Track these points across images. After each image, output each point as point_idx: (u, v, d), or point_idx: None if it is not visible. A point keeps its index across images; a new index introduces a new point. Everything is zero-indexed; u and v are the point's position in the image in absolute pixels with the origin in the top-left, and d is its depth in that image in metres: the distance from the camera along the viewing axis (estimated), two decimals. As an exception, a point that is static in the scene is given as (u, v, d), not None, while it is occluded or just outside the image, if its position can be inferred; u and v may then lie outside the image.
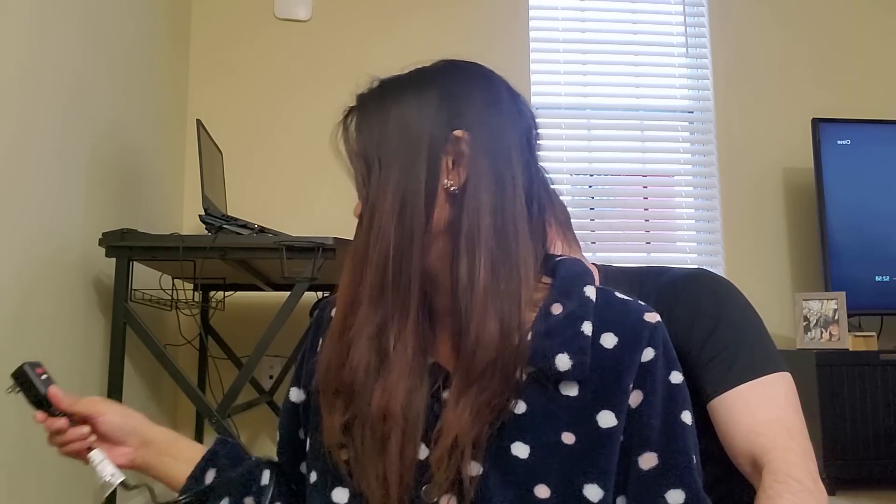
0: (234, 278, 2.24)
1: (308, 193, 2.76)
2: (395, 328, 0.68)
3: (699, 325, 0.97)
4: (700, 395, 0.93)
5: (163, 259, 1.82)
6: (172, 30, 2.62)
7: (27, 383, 0.81)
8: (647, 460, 0.69)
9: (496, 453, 0.68)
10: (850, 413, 2.43)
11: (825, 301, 2.63)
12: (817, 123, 2.82)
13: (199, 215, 1.92)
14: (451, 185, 0.69)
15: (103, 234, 1.77)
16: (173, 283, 2.08)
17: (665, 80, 3.10)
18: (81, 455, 0.81)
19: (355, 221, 0.74)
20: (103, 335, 1.88)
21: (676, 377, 0.71)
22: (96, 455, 0.80)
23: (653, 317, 0.72)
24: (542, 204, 0.73)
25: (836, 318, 2.60)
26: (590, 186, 3.06)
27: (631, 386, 0.69)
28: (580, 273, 0.74)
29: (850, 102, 3.04)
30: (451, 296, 0.69)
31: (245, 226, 1.88)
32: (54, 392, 0.81)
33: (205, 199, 2.00)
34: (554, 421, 0.68)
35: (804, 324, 2.66)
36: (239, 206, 2.51)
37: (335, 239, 1.77)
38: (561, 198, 1.17)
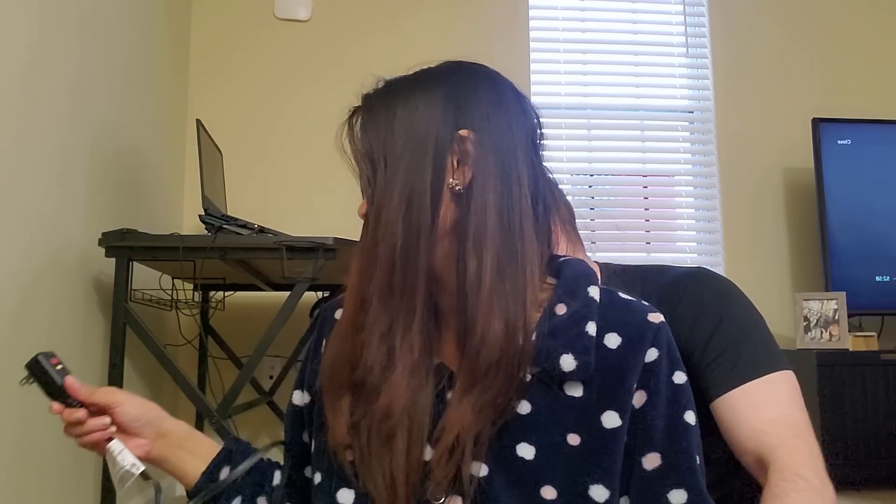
0: (234, 278, 2.24)
1: (308, 193, 2.76)
2: (401, 327, 0.69)
3: (702, 325, 0.97)
4: (703, 394, 0.93)
5: (163, 259, 1.81)
6: (172, 30, 2.61)
7: (42, 374, 0.79)
8: (651, 461, 0.69)
9: (501, 454, 0.68)
10: (850, 413, 2.43)
11: (825, 301, 2.63)
12: (817, 123, 2.82)
13: (199, 215, 1.92)
14: (457, 185, 0.69)
15: (103, 234, 1.77)
16: (173, 283, 2.08)
17: (665, 79, 3.10)
18: (100, 446, 0.79)
19: (356, 221, 0.74)
20: (103, 335, 1.88)
21: (680, 377, 0.71)
22: (116, 445, 0.79)
23: (656, 317, 0.72)
24: (547, 204, 0.73)
25: (837, 318, 2.60)
26: (590, 186, 3.06)
27: (635, 386, 0.69)
28: (584, 273, 0.74)
29: (850, 102, 3.04)
30: (456, 295, 0.69)
31: (245, 226, 1.88)
32: (71, 382, 0.79)
33: (205, 199, 2.00)
34: (559, 421, 0.68)
35: (804, 324, 2.66)
36: (239, 206, 2.51)
37: (335, 239, 1.77)
38: (568, 198, 1.17)
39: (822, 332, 2.62)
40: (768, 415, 0.89)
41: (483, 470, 0.67)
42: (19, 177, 1.50)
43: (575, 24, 3.10)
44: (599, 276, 1.05)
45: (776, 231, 2.99)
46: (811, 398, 2.42)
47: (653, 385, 0.70)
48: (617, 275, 1.09)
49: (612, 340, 0.70)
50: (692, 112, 3.09)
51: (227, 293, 2.45)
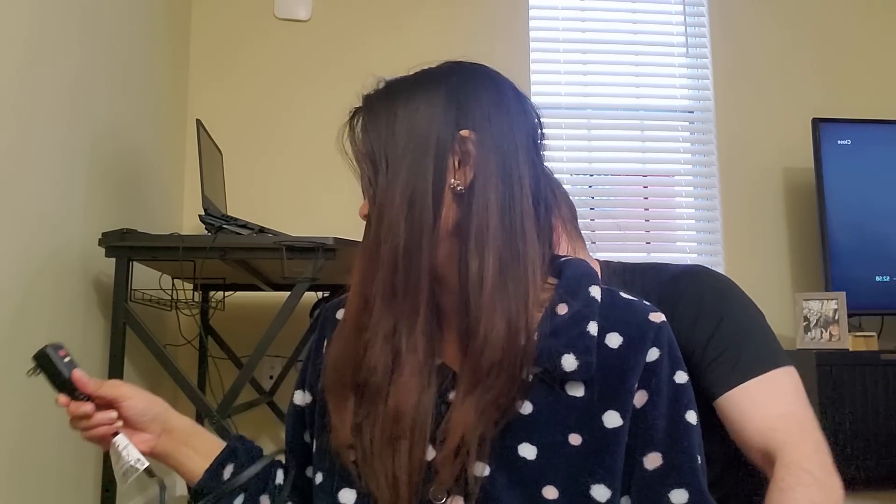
0: (234, 278, 2.24)
1: (308, 193, 2.76)
2: (406, 328, 0.69)
3: (702, 325, 0.97)
4: (705, 393, 0.94)
5: (163, 259, 1.81)
6: (172, 30, 2.61)
7: (50, 366, 0.78)
8: (652, 460, 0.69)
9: (503, 454, 0.68)
10: (850, 413, 2.43)
11: (825, 301, 2.63)
12: (817, 123, 2.82)
13: (199, 215, 1.92)
14: (458, 185, 0.69)
15: (103, 234, 1.77)
16: (173, 283, 2.07)
17: (665, 79, 3.10)
18: (106, 440, 0.78)
19: (356, 221, 0.74)
20: (103, 335, 1.88)
21: (681, 377, 0.71)
22: (121, 440, 0.78)
23: (658, 317, 0.72)
24: (548, 204, 0.73)
25: (837, 318, 2.60)
26: (590, 186, 3.06)
27: (636, 386, 0.69)
28: (585, 273, 0.74)
29: (850, 102, 3.04)
30: (458, 295, 0.69)
31: (245, 226, 1.88)
32: (79, 375, 0.78)
33: (205, 199, 2.00)
34: (560, 421, 0.68)
35: (804, 324, 2.66)
36: (239, 206, 2.51)
37: (335, 239, 1.77)
38: (572, 198, 1.17)
39: (822, 332, 2.62)
40: (774, 411, 0.90)
41: (485, 470, 0.67)
42: (19, 177, 1.50)
43: (575, 24, 3.10)
44: (600, 275, 1.05)
45: (776, 231, 2.99)
46: (811, 398, 2.39)
47: (654, 385, 0.70)
48: (617, 273, 1.10)
49: (614, 340, 0.70)
50: (692, 112, 3.09)
51: (227, 293, 2.45)
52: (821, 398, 2.42)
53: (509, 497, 0.66)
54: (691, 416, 0.70)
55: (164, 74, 2.52)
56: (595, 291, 0.72)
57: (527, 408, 0.69)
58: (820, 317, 2.63)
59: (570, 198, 1.15)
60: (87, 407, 0.77)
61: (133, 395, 0.79)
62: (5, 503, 1.42)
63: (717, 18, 3.09)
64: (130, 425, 0.80)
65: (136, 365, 2.12)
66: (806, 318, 2.66)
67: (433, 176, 0.68)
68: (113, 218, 1.97)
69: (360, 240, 0.73)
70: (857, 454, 2.41)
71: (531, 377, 0.69)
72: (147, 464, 0.78)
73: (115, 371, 1.75)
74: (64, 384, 0.78)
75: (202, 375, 2.50)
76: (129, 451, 0.77)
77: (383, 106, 0.72)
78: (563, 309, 0.71)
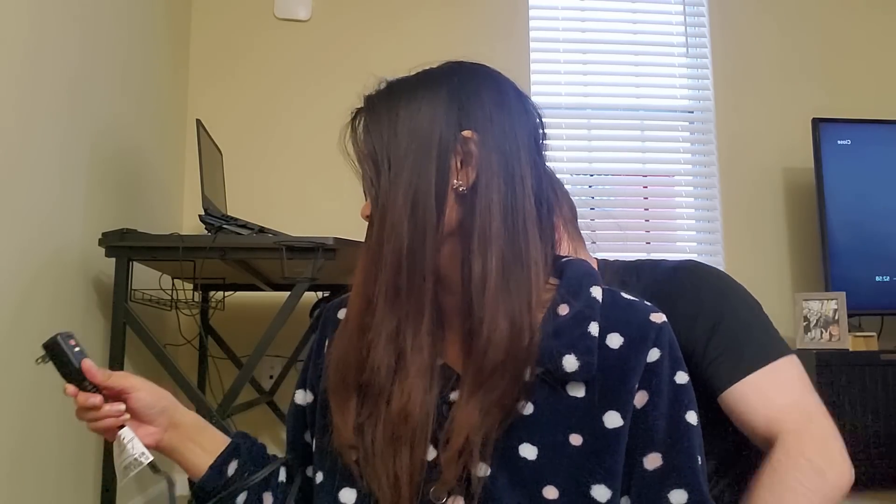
0: (234, 278, 2.23)
1: (308, 193, 2.76)
2: (410, 329, 0.69)
3: (703, 322, 0.97)
4: (708, 389, 0.94)
5: (163, 259, 1.81)
6: (172, 30, 2.61)
7: (60, 355, 0.76)
8: (652, 461, 0.69)
9: (504, 454, 0.68)
10: (850, 413, 2.43)
11: (825, 301, 2.63)
12: (817, 123, 2.82)
13: (199, 215, 1.92)
14: (461, 186, 0.69)
15: (103, 234, 1.77)
16: (173, 283, 2.07)
17: (665, 80, 3.10)
18: (111, 432, 0.78)
19: (356, 221, 0.74)
20: (103, 335, 1.88)
21: (682, 377, 0.72)
22: (127, 432, 0.77)
23: (658, 317, 0.72)
24: (550, 204, 0.73)
25: (837, 318, 2.60)
26: (590, 186, 3.06)
27: (636, 386, 0.69)
28: (587, 273, 0.74)
29: (850, 102, 3.04)
30: (460, 296, 0.69)
31: (245, 226, 1.88)
32: (88, 365, 0.77)
33: (205, 199, 2.00)
34: (561, 422, 0.68)
35: (804, 324, 2.66)
36: (239, 206, 2.51)
37: (335, 239, 1.77)
38: (573, 198, 1.17)
39: (821, 332, 2.62)
40: (779, 401, 0.90)
41: (486, 470, 0.68)
42: (19, 177, 1.50)
43: (575, 24, 3.10)
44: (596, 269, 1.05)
45: (776, 231, 2.99)
46: (811, 398, 2.42)
47: (654, 385, 0.70)
48: (614, 272, 1.10)
49: (615, 340, 0.70)
50: (692, 112, 3.09)
51: (227, 293, 2.45)
52: (821, 398, 2.42)
53: (510, 497, 0.67)
54: (691, 417, 0.71)
55: (164, 74, 2.52)
56: (596, 292, 0.73)
57: (528, 408, 0.69)
58: (820, 317, 2.63)
59: (571, 197, 1.15)
60: (96, 399, 0.76)
61: (142, 387, 0.79)
62: (5, 503, 1.42)
63: (717, 18, 3.09)
64: (137, 418, 0.79)
65: (136, 365, 2.11)
66: (806, 318, 2.66)
67: (436, 176, 0.68)
68: (113, 218, 1.97)
69: (360, 240, 0.73)
70: (856, 454, 2.40)
71: (533, 377, 0.69)
72: (151, 458, 0.77)
73: (115, 371, 1.75)
74: (73, 374, 0.77)
75: (202, 375, 2.50)
76: (134, 444, 0.76)
77: (385, 106, 0.72)
78: (564, 309, 0.71)
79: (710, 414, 0.93)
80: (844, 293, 2.62)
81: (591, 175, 3.06)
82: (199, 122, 2.14)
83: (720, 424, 0.94)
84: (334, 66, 2.84)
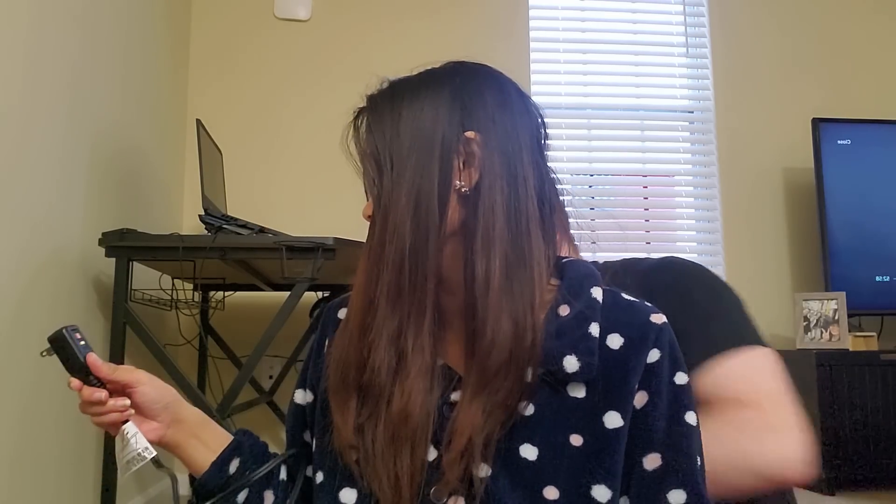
0: (234, 278, 2.24)
1: (308, 193, 2.76)
2: (412, 329, 0.69)
3: (676, 313, 0.95)
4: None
5: (163, 259, 1.81)
6: (172, 30, 2.61)
7: (66, 348, 0.76)
8: (652, 461, 0.69)
9: (505, 455, 0.68)
10: (849, 413, 2.43)
11: (825, 301, 2.63)
12: (817, 123, 2.82)
13: (199, 215, 1.92)
14: (463, 187, 0.69)
15: (103, 233, 1.77)
16: (173, 283, 2.07)
17: (665, 80, 3.10)
18: (115, 427, 0.77)
19: (357, 221, 0.74)
20: (103, 335, 1.88)
21: (682, 378, 0.71)
22: (130, 427, 0.76)
23: (659, 318, 0.72)
24: (552, 205, 0.73)
25: (837, 318, 2.60)
26: (590, 186, 3.06)
27: (636, 387, 0.69)
28: (587, 274, 0.75)
29: (850, 102, 3.04)
30: (463, 297, 0.69)
31: (245, 226, 1.88)
32: (93, 359, 0.77)
33: (205, 199, 2.00)
34: (562, 422, 0.68)
35: (804, 324, 2.66)
36: (239, 206, 2.51)
37: (335, 239, 1.77)
38: (561, 198, 1.17)
39: (821, 333, 2.62)
40: (747, 387, 0.87)
41: (487, 471, 0.68)
42: (19, 177, 1.50)
43: (575, 24, 3.10)
44: None
45: (776, 231, 2.99)
46: (811, 398, 2.42)
47: (654, 386, 0.70)
48: (602, 271, 1.09)
49: (615, 341, 0.70)
50: (692, 112, 3.09)
51: (226, 293, 2.45)
52: (820, 398, 2.42)
53: (511, 498, 0.67)
54: (691, 417, 0.70)
55: (164, 74, 2.52)
56: (597, 292, 0.73)
57: (529, 409, 0.69)
58: (820, 317, 2.63)
59: (562, 198, 1.15)
60: (102, 394, 0.76)
61: (147, 382, 0.78)
62: (5, 503, 1.42)
63: (717, 18, 3.09)
64: (141, 412, 0.79)
65: (136, 364, 2.10)
66: (806, 318, 2.66)
67: (438, 177, 0.68)
68: (113, 218, 1.97)
69: (360, 240, 0.73)
70: (856, 454, 2.41)
71: (535, 378, 0.69)
72: (155, 453, 0.77)
73: (115, 371, 1.75)
74: (78, 367, 0.76)
75: (202, 375, 2.50)
76: (137, 439, 0.76)
77: (387, 106, 0.72)
78: (565, 310, 0.71)
79: None
80: (844, 293, 2.62)
81: (591, 175, 3.06)
82: (199, 121, 2.14)
83: None
84: (334, 65, 2.84)
